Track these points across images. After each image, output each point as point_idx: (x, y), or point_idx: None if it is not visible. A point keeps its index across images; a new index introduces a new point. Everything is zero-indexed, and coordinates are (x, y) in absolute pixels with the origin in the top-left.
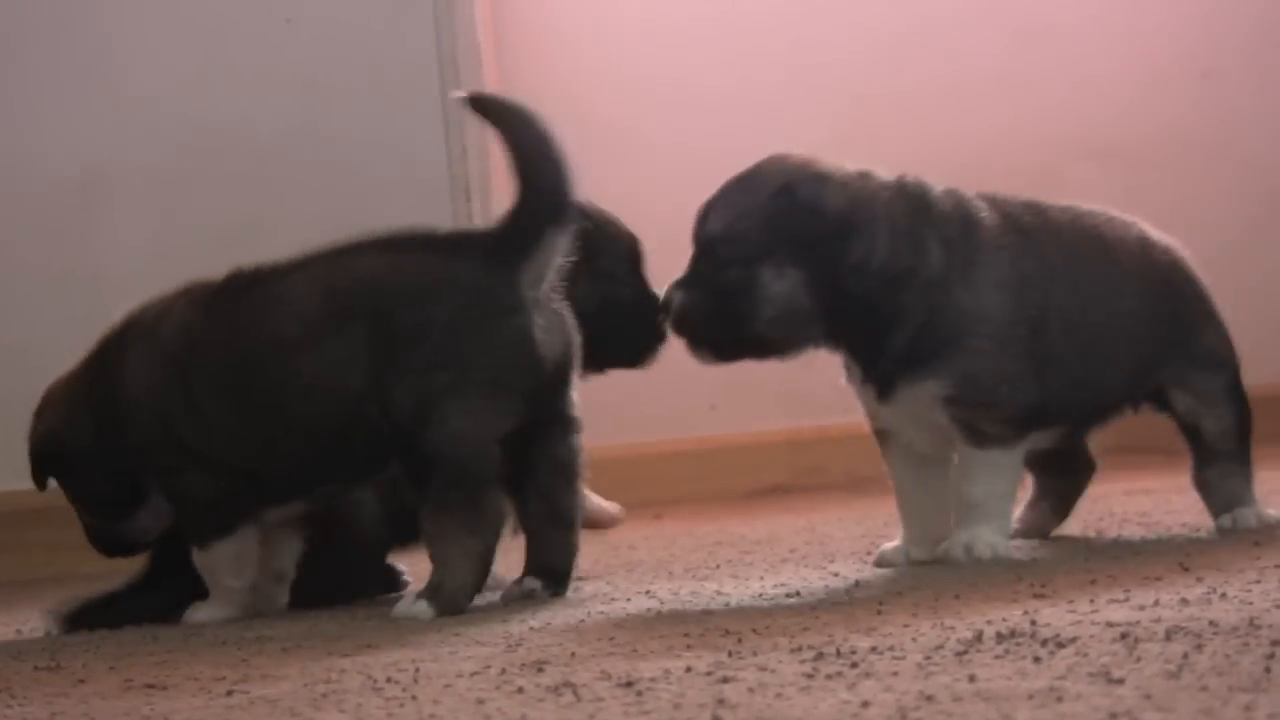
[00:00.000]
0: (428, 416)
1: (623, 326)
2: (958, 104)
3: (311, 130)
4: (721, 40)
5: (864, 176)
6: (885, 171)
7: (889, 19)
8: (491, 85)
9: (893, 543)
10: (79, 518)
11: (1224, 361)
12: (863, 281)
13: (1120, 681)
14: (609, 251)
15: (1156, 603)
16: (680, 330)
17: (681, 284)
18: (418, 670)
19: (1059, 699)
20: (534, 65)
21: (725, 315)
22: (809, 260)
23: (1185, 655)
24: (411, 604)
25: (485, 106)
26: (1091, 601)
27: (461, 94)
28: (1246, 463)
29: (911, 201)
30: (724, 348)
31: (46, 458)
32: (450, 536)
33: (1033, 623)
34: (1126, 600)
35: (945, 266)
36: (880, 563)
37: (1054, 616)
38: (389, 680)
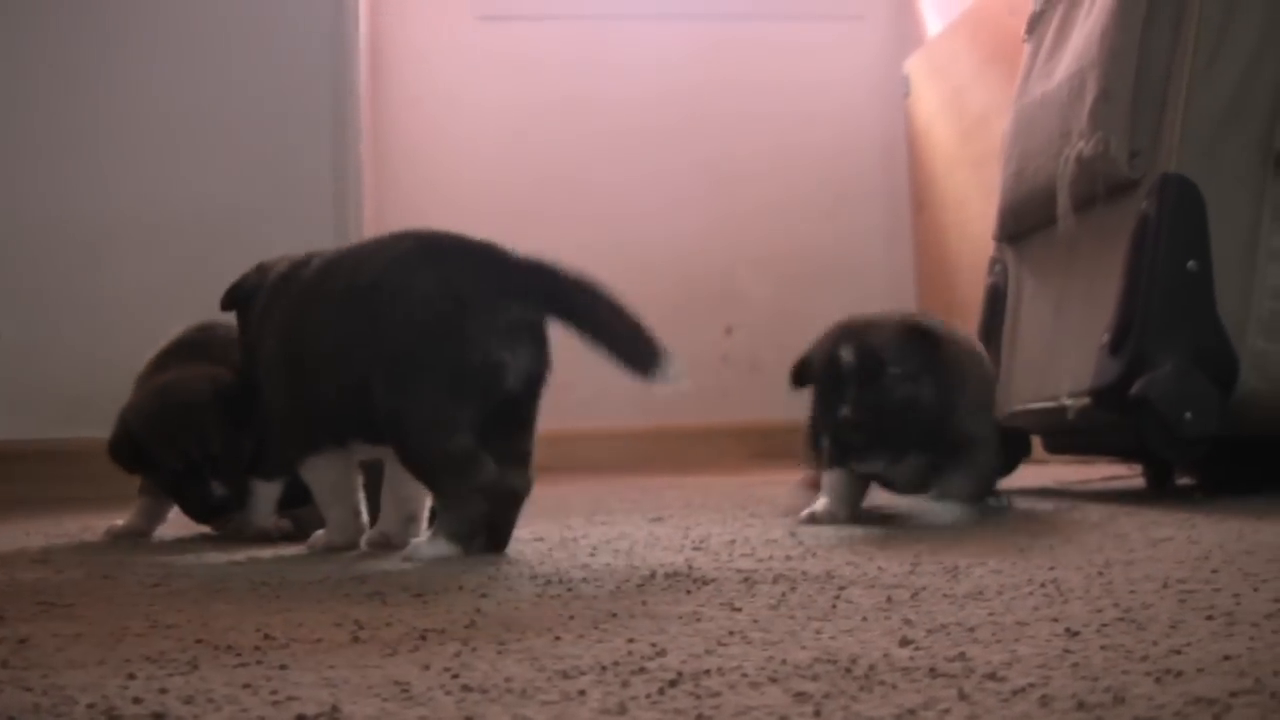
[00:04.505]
0: None
1: None
2: (664, 222)
3: (240, 216)
4: (513, 167)
5: (281, 262)
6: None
7: (629, 166)
8: (368, 189)
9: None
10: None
11: None
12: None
13: (740, 610)
14: None
15: (771, 557)
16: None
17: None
18: (284, 577)
19: (698, 619)
20: (406, 174)
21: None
22: (242, 322)
23: (784, 594)
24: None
25: None
26: (730, 555)
27: None
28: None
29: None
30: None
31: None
32: None
33: (690, 567)
34: (752, 554)
35: (257, 324)
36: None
37: (704, 563)
38: (263, 583)
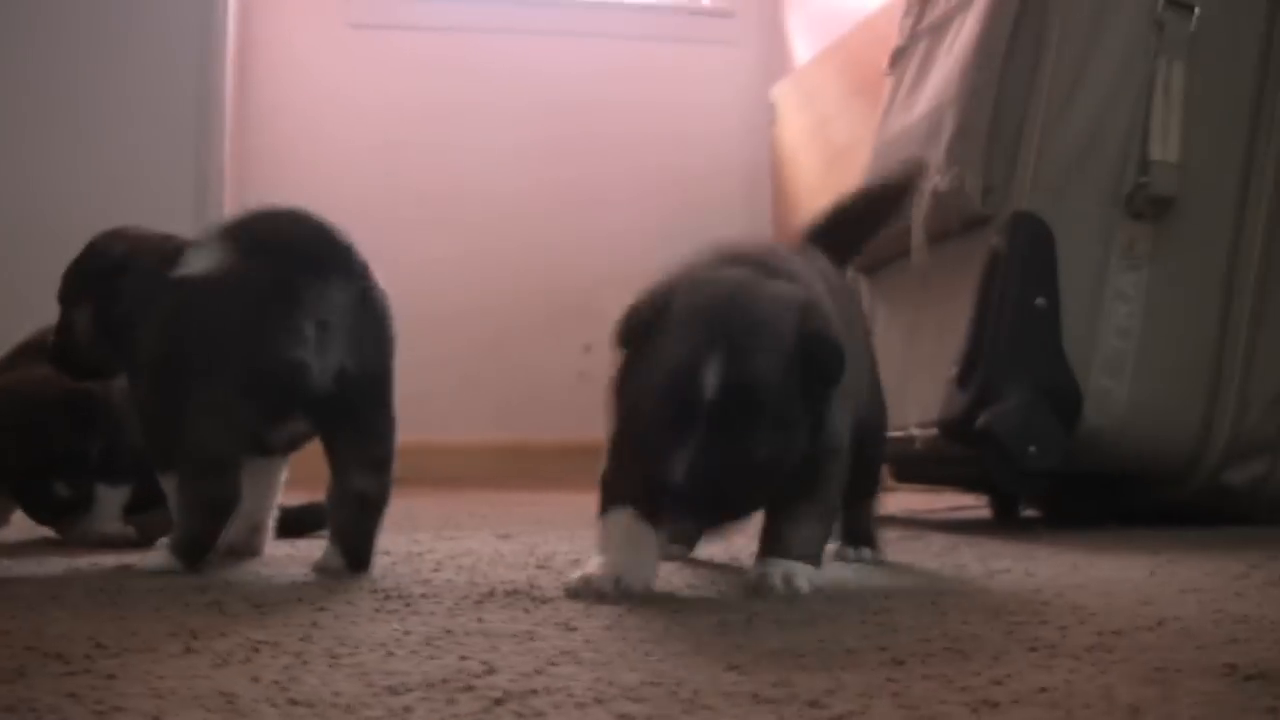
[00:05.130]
0: None
1: None
2: (529, 237)
3: (99, 218)
4: (382, 174)
5: (166, 239)
6: None
7: (514, 188)
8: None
9: None
10: None
11: None
12: (117, 317)
13: (575, 630)
14: None
15: None
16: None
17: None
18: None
19: (532, 639)
20: (274, 178)
21: (65, 350)
22: (99, 296)
23: (620, 615)
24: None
25: None
26: (573, 574)
27: None
28: None
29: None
30: (88, 374)
31: None
32: None
33: (531, 585)
34: None
35: (131, 310)
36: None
37: (546, 582)
38: (101, 590)
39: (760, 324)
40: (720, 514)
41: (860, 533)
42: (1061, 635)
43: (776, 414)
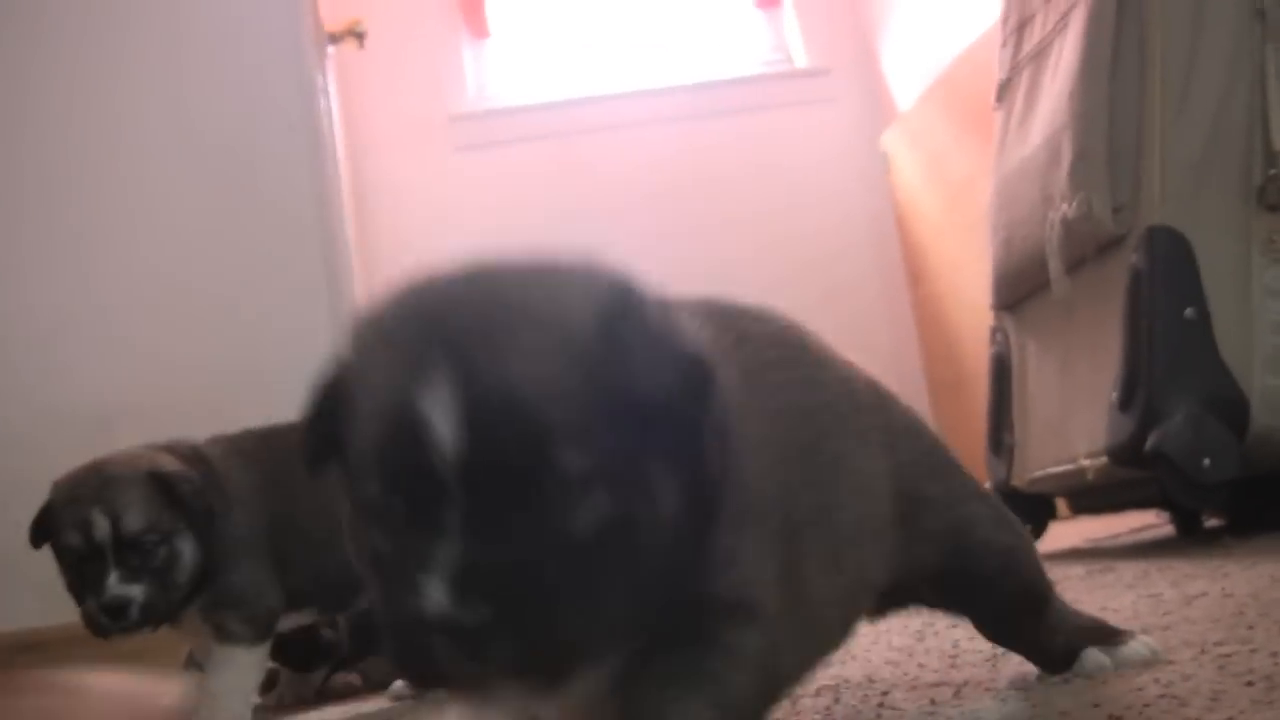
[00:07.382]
0: None
1: None
2: None
3: (257, 372)
4: None
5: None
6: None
7: None
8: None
9: None
10: None
11: None
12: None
13: None
14: None
15: None
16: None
17: (125, 580)
18: None
19: None
20: None
21: (162, 588)
22: (196, 527)
23: (828, 707)
24: None
25: None
26: None
27: None
28: None
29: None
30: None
31: None
32: None
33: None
34: None
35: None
36: None
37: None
38: None
39: (519, 310)
40: (542, 655)
41: (1077, 630)
42: (1275, 663)
43: (584, 446)
